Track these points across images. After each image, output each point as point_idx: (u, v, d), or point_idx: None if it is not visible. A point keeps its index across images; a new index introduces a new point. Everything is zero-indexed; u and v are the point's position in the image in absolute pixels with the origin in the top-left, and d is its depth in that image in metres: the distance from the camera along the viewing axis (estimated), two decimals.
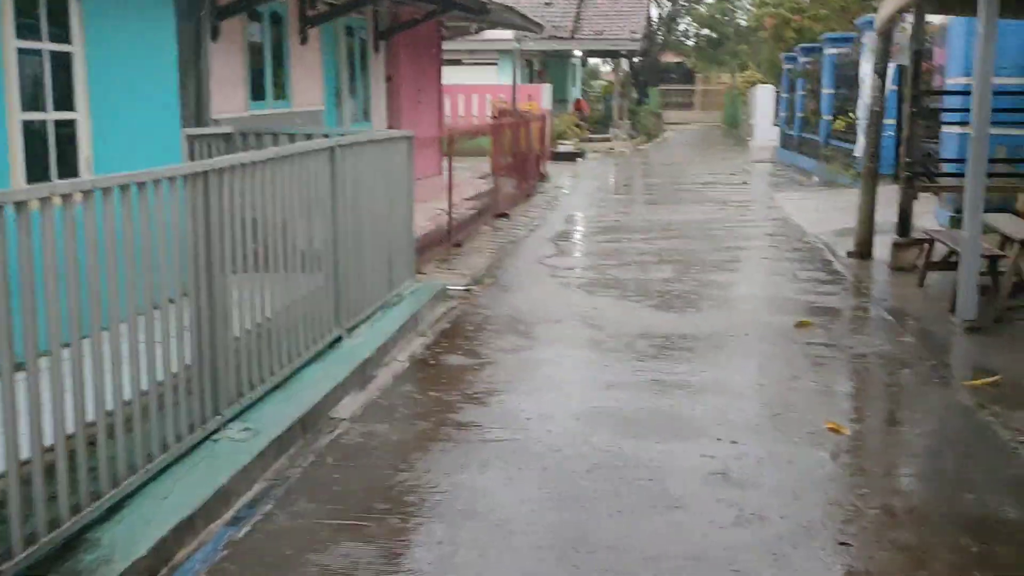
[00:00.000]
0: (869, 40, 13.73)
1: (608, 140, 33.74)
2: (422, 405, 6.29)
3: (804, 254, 11.84)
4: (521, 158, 17.96)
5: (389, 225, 8.57)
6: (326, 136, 7.88)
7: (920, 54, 10.54)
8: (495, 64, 30.80)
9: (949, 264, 9.67)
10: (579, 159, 27.56)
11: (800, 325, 8.21)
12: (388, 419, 5.93)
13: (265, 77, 11.09)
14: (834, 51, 22.32)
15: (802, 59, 26.05)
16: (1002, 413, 5.89)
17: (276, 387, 6.00)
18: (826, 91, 22.59)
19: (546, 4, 33.56)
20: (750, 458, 5.21)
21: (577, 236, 13.96)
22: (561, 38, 32.86)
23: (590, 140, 32.45)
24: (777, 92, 31.95)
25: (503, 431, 5.62)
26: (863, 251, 11.17)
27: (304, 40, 12.05)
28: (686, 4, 47.68)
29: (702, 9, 47.80)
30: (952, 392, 6.41)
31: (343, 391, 6.30)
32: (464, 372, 6.91)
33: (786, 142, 28.10)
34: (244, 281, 5.63)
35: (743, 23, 46.51)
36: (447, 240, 11.87)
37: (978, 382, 6.51)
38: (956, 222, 12.27)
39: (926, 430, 5.83)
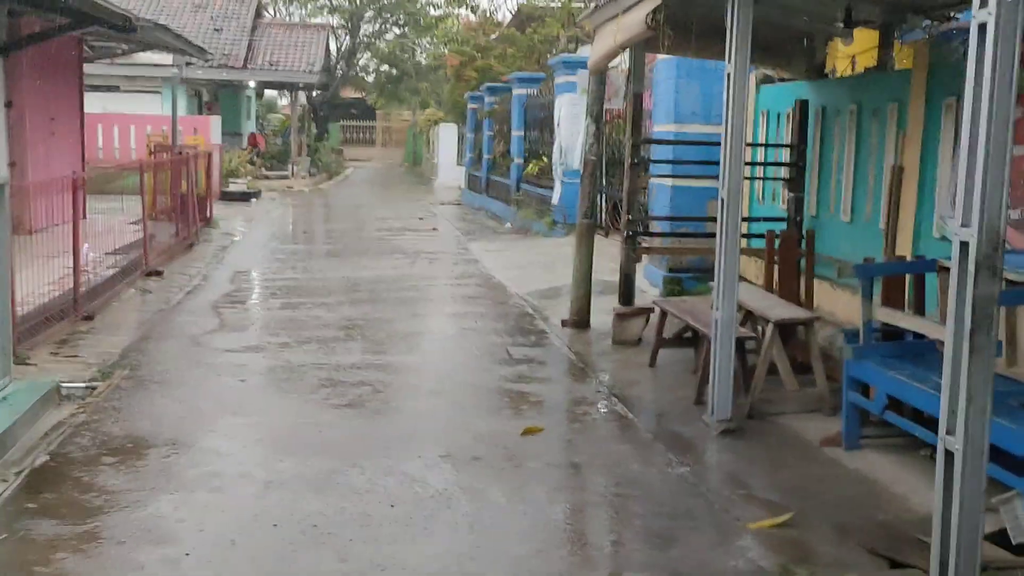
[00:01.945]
0: (580, 80, 12.55)
1: (286, 178, 31.47)
2: None
3: (513, 324, 10.23)
4: (181, 201, 15.39)
5: None
6: None
7: (640, 98, 9.29)
8: (159, 92, 27.61)
9: (684, 340, 8.40)
10: (254, 199, 25.06)
11: (527, 433, 6.51)
12: None
13: None
14: (524, 91, 21.35)
15: (489, 99, 25.04)
16: None
17: None
18: (516, 133, 21.55)
19: (215, 30, 30.80)
20: None
21: (247, 301, 11.60)
22: (232, 67, 30.23)
23: (266, 178, 30.06)
24: (461, 132, 30.93)
25: None
26: (580, 320, 9.74)
27: None
28: (366, 39, 46.05)
29: (382, 45, 46.32)
30: (741, 544, 4.81)
31: None
32: (52, 552, 4.51)
33: (473, 184, 27.00)
34: None
35: (423, 61, 45.54)
36: (73, 312, 9.27)
37: (767, 524, 5.02)
38: (671, 283, 11.19)
39: None
